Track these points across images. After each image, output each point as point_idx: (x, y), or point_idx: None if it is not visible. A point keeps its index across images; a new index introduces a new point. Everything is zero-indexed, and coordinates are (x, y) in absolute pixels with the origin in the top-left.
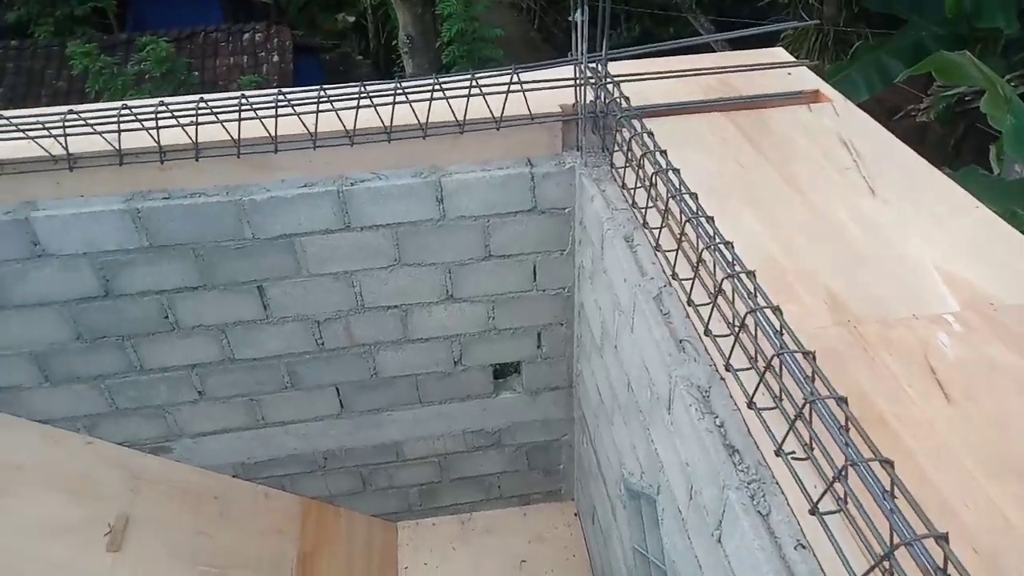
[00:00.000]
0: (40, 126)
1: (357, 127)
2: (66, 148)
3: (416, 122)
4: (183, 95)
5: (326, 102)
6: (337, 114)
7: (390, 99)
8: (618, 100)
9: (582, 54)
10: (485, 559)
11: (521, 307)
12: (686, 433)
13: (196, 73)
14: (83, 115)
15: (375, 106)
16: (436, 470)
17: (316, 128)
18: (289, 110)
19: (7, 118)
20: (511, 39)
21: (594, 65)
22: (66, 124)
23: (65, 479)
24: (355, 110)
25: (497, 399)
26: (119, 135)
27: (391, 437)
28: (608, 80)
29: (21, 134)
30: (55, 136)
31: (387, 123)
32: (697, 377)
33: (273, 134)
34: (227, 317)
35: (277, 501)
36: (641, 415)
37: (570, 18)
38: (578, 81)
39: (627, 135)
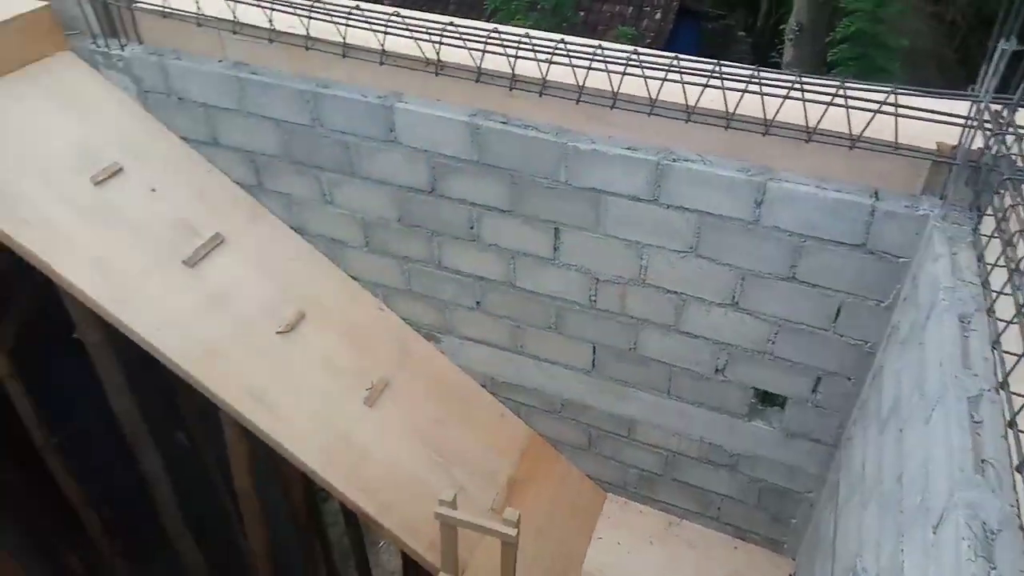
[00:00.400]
0: (424, 30)
1: (698, 105)
2: (438, 55)
3: (761, 116)
4: (563, 32)
5: (675, 72)
6: (683, 87)
7: (743, 85)
8: (1014, 157)
9: (987, 91)
10: (679, 570)
11: (809, 343)
12: (946, 565)
13: (581, 13)
14: (460, 29)
15: (724, 88)
16: (661, 463)
17: (657, 95)
18: (638, 71)
19: (403, 17)
20: (919, 52)
21: (999, 108)
22: (444, 34)
23: (354, 330)
24: (702, 88)
25: (748, 424)
26: (483, 55)
27: (629, 413)
28: (1011, 130)
29: (409, 33)
30: (433, 42)
31: (730, 109)
32: (987, 512)
33: (615, 90)
34: (520, 246)
35: (510, 424)
36: (901, 516)
37: (998, 44)
38: (970, 122)
39: (1009, 201)
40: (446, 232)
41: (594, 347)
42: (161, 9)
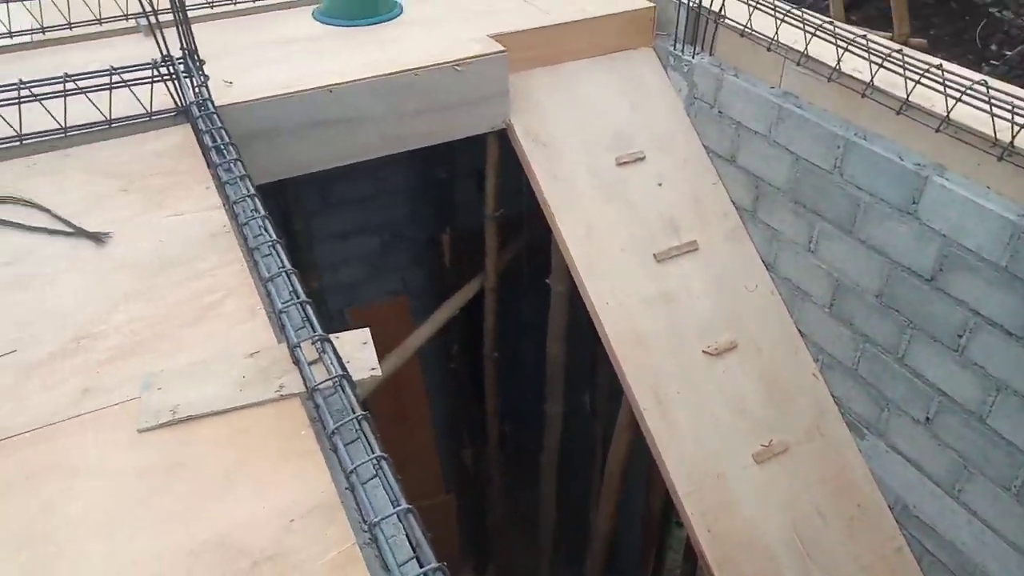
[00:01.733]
0: (1010, 107)
1: None
2: (1013, 138)
3: None
4: None
5: None
6: None
7: None
8: None
9: None
10: None
11: None
12: None
13: None
14: None
15: None
16: None
17: None
18: None
19: (989, 87)
20: None
21: None
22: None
23: (777, 383)
24: None
25: None
26: None
27: None
28: None
29: (987, 107)
30: (1015, 124)
31: None
32: None
33: None
34: (1013, 380)
35: (904, 564)
36: None
37: None
38: None
39: None
40: (925, 328)
41: None
42: (741, 28)
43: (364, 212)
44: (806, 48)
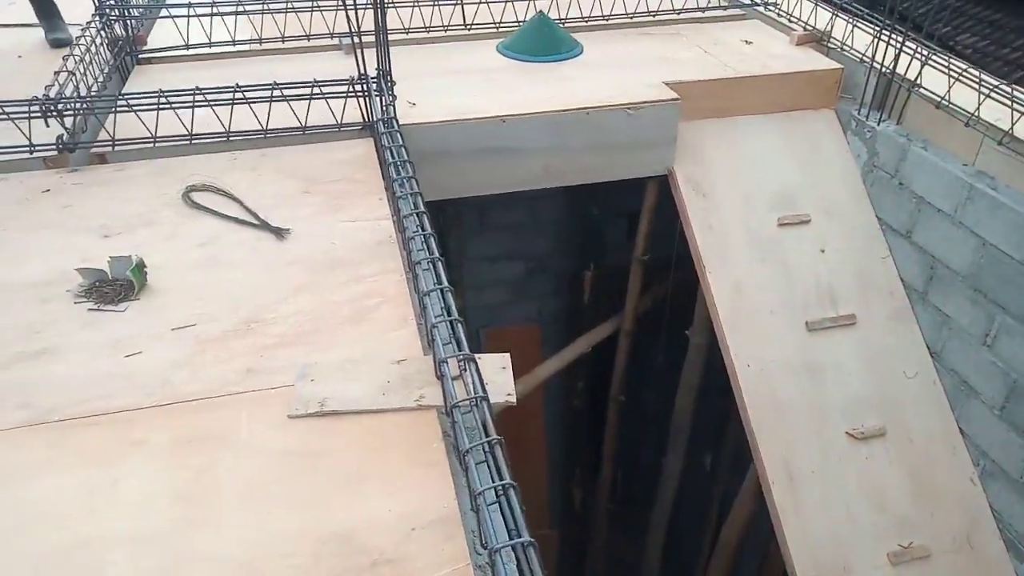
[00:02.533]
0: None
1: None
2: None
3: None
4: None
5: None
6: None
7: None
8: None
9: None
10: None
11: None
12: None
13: None
14: None
15: None
16: None
17: None
18: None
19: None
20: None
21: None
22: None
23: (925, 480)
24: None
25: None
26: None
27: None
28: None
29: None
30: None
31: None
32: None
33: None
34: None
35: None
36: None
37: None
38: None
39: None
40: None
41: None
42: (938, 99)
43: (514, 239)
44: (1011, 127)
